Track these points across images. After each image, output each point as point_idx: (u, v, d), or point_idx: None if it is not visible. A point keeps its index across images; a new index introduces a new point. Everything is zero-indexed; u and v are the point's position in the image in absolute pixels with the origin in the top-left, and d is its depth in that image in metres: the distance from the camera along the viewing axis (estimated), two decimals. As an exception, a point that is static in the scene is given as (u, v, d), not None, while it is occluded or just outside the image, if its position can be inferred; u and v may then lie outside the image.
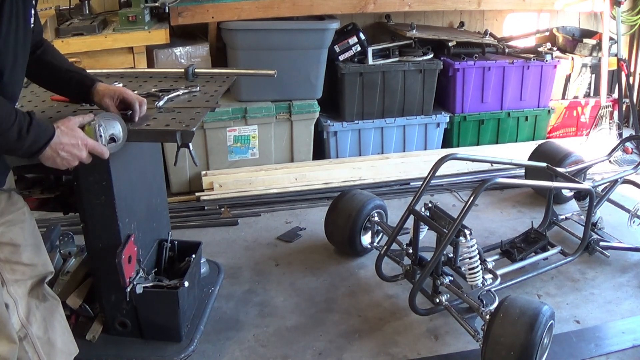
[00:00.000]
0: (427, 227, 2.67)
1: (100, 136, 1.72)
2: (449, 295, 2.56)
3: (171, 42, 3.70)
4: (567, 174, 3.05)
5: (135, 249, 2.20)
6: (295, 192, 3.89)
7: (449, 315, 2.57)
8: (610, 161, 3.99)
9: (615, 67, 4.66)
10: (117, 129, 1.80)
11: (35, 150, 1.51)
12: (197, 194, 3.85)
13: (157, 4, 3.63)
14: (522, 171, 3.93)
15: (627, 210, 3.25)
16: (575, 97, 4.83)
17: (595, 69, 4.73)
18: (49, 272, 1.82)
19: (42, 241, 1.82)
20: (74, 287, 2.37)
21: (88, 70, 2.01)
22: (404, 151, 4.42)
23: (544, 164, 3.07)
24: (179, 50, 3.80)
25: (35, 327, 1.73)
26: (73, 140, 1.59)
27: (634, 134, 4.68)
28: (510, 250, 2.97)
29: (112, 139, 1.78)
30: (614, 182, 3.34)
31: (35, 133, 1.48)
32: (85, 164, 1.67)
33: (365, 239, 3.13)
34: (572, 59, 4.67)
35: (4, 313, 1.63)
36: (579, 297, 2.87)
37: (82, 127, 1.68)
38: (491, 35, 4.51)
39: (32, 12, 1.57)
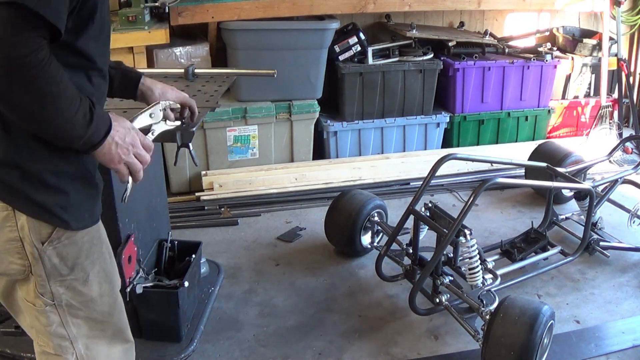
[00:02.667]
0: (427, 227, 2.67)
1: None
2: (449, 295, 2.56)
3: (171, 42, 3.69)
4: (567, 174, 3.05)
5: (135, 249, 2.20)
6: (295, 192, 3.89)
7: (449, 315, 2.57)
8: (610, 161, 3.99)
9: (615, 67, 4.66)
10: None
11: (97, 141, 1.29)
12: (197, 194, 3.85)
13: (157, 4, 3.63)
14: (522, 171, 3.93)
15: (627, 210, 3.25)
16: (576, 97, 4.82)
17: (596, 69, 4.73)
18: None
19: None
20: (74, 287, 2.37)
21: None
22: (404, 151, 4.42)
23: (544, 164, 3.06)
24: (179, 50, 3.79)
25: None
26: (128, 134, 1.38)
27: (634, 134, 4.68)
28: (510, 250, 2.97)
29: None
30: (614, 182, 3.34)
31: (98, 119, 1.28)
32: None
33: (365, 239, 3.13)
34: (572, 59, 4.67)
35: (124, 315, 1.60)
36: (579, 297, 2.87)
37: None
38: (491, 35, 4.51)
39: None
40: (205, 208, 3.72)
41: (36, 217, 1.32)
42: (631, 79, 4.86)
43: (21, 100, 1.17)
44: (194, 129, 1.89)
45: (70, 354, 1.46)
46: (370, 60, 4.12)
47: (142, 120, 1.55)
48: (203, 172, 3.94)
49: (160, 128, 1.60)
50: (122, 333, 1.58)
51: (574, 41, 4.74)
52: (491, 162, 3.70)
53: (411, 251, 2.71)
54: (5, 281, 1.43)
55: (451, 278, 2.58)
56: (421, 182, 2.72)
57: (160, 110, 1.59)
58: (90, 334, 1.49)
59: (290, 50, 3.89)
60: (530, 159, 3.74)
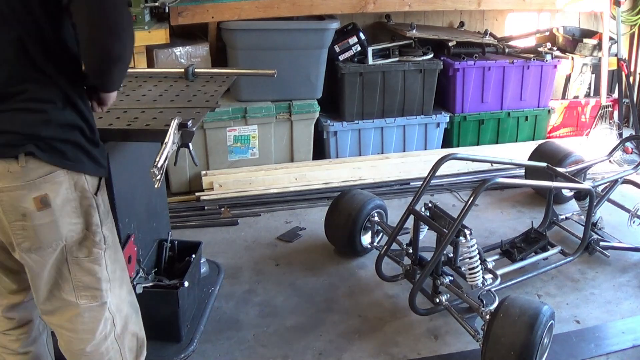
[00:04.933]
0: (427, 227, 2.67)
1: None
2: (449, 295, 2.56)
3: (171, 42, 3.69)
4: (567, 174, 3.05)
5: (135, 249, 2.20)
6: (295, 192, 3.89)
7: (449, 315, 2.57)
8: (610, 161, 3.99)
9: (615, 67, 4.66)
10: None
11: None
12: (197, 193, 3.85)
13: (157, 4, 3.63)
14: (522, 171, 3.93)
15: (627, 210, 3.25)
16: (576, 97, 4.83)
17: (596, 68, 4.73)
18: None
19: None
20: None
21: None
22: (404, 151, 4.42)
23: (544, 164, 3.06)
24: (179, 50, 3.79)
25: None
26: None
27: (634, 134, 4.68)
28: (510, 250, 2.97)
29: None
30: (614, 182, 3.34)
31: None
32: None
33: (365, 239, 3.13)
34: (572, 58, 4.67)
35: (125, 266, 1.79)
36: (579, 297, 2.87)
37: None
38: (491, 35, 4.51)
39: None
40: (205, 208, 3.72)
41: (91, 173, 1.53)
42: (631, 78, 4.86)
43: (128, 36, 1.43)
44: (194, 128, 1.88)
45: (109, 297, 1.66)
46: (370, 60, 4.13)
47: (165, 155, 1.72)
48: (203, 172, 3.94)
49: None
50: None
51: (574, 41, 4.74)
52: (491, 162, 3.70)
53: (411, 251, 2.71)
54: (57, 253, 1.52)
55: (451, 278, 2.58)
56: (421, 182, 2.72)
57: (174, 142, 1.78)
58: (120, 277, 1.71)
59: (290, 50, 3.89)
60: (530, 159, 3.74)
